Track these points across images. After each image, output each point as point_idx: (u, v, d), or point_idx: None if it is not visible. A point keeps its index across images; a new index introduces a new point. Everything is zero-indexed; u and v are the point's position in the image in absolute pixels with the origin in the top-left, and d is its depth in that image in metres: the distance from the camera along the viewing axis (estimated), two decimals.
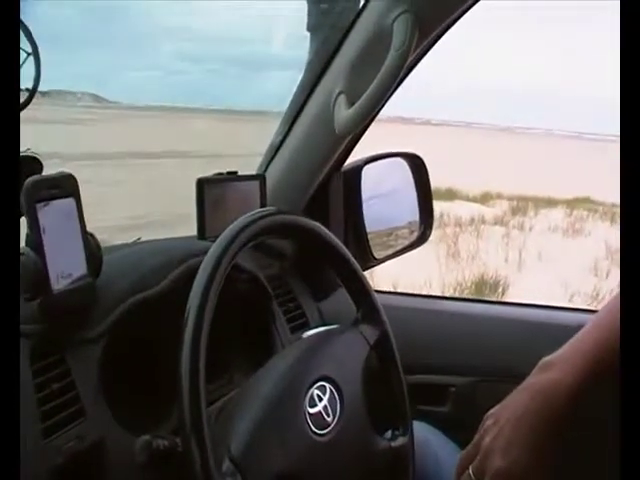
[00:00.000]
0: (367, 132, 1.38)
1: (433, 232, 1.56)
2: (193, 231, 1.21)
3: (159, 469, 0.83)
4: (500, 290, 6.36)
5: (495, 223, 9.25)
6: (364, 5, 1.19)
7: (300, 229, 1.00)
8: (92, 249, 0.94)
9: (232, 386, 1.06)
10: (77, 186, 0.91)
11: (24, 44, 0.88)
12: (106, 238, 1.08)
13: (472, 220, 9.13)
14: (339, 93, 1.19)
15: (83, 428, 0.88)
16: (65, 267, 0.89)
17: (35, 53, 0.87)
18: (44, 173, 0.91)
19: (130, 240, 1.27)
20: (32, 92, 0.87)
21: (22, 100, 0.87)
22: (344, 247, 1.04)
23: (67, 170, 0.92)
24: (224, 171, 1.24)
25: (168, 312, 0.92)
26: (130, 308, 0.99)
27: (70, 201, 0.90)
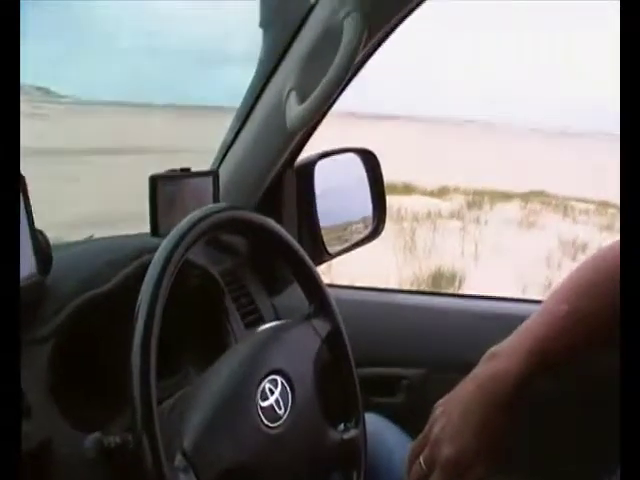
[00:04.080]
0: (319, 128, 1.40)
1: (390, 226, 1.58)
2: (147, 228, 1.21)
3: (111, 466, 0.83)
4: (457, 282, 6.44)
5: (452, 217, 9.35)
6: (315, 3, 1.20)
7: (251, 225, 1.00)
8: (41, 247, 0.92)
9: (186, 382, 1.07)
10: (24, 183, 0.90)
11: None
12: (57, 235, 1.07)
13: (429, 214, 9.21)
14: (290, 90, 1.20)
15: (29, 428, 0.87)
16: None
17: None
18: None
19: (82, 238, 1.26)
20: None
21: None
22: (296, 242, 1.05)
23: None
24: (177, 168, 1.24)
25: (119, 310, 0.91)
26: (80, 306, 0.98)
27: None
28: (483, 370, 0.95)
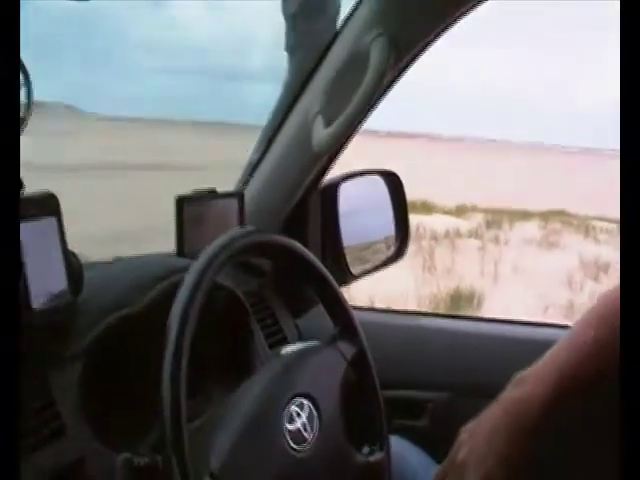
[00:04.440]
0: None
1: (409, 245, 1.58)
2: (170, 244, 1.22)
3: None
4: (475, 303, 6.40)
5: (470, 236, 9.32)
6: (341, 27, 1.22)
7: (278, 248, 1.01)
8: (73, 267, 0.94)
9: (212, 402, 1.08)
10: (58, 205, 0.92)
11: None
12: (82, 251, 1.08)
13: (447, 233, 9.18)
14: (317, 113, 1.21)
15: (63, 446, 0.89)
16: (46, 285, 0.90)
17: (27, 83, 0.87)
18: None
19: (109, 256, 1.28)
20: (23, 121, 0.87)
21: None
22: (321, 265, 1.06)
23: (43, 181, 0.93)
24: (203, 188, 1.25)
25: (148, 329, 0.93)
26: (110, 326, 1.00)
27: (52, 220, 0.91)
28: (510, 395, 0.94)
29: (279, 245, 1.01)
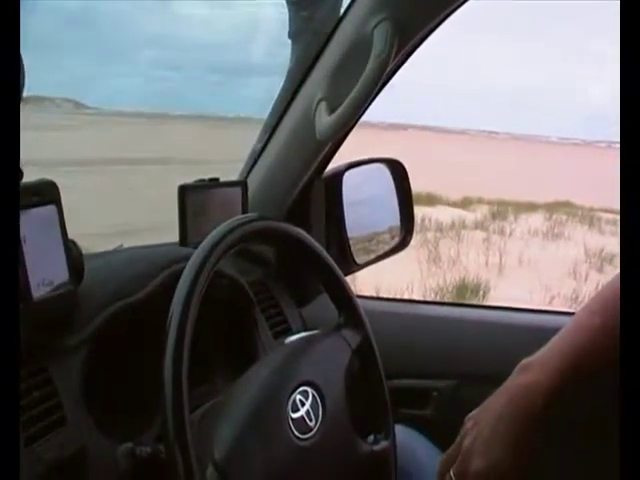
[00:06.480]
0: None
1: (414, 237, 1.57)
2: (175, 237, 1.21)
3: (142, 477, 0.83)
4: (481, 294, 6.41)
5: (476, 227, 9.31)
6: (345, 13, 1.20)
7: (282, 235, 1.00)
8: (74, 256, 0.93)
9: (215, 392, 1.07)
10: (58, 193, 0.90)
11: None
12: (87, 245, 1.08)
13: (453, 225, 9.18)
14: (320, 100, 1.20)
15: (64, 436, 0.88)
16: (46, 275, 0.89)
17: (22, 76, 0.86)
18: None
19: (112, 247, 1.27)
20: None
21: None
22: (326, 253, 1.05)
23: (46, 176, 0.92)
24: (206, 177, 1.24)
25: (150, 319, 0.92)
26: (112, 315, 0.99)
27: (51, 208, 0.89)
28: (515, 382, 0.94)
29: (282, 232, 1.00)
